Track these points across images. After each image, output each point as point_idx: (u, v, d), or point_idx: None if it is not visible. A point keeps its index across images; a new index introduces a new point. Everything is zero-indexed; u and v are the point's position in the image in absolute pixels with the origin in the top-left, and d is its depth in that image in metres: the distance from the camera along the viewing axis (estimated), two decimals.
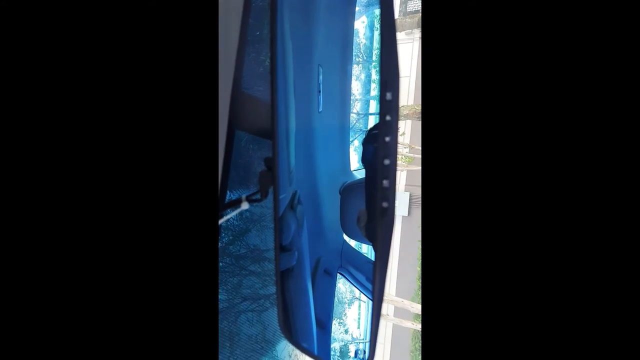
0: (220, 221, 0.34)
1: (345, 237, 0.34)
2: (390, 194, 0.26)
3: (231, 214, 0.35)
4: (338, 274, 0.34)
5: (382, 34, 0.25)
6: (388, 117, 0.25)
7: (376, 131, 0.26)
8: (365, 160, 0.31)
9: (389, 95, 0.25)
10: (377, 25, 0.29)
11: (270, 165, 0.32)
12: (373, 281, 0.28)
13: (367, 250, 0.35)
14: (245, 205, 0.33)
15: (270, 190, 0.31)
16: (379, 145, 0.26)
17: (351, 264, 0.34)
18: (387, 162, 0.26)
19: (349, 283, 0.34)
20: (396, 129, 0.26)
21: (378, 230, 0.27)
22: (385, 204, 0.26)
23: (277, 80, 0.29)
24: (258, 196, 0.33)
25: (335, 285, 0.33)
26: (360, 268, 0.35)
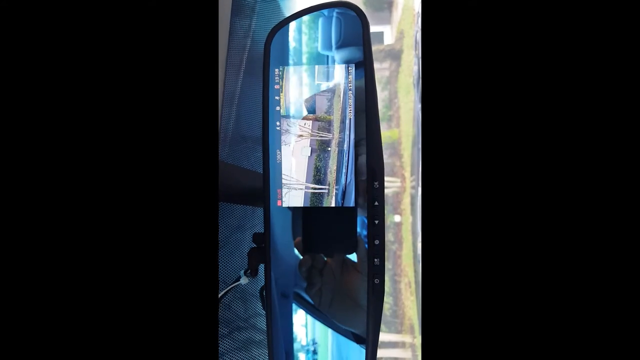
0: (220, 294, 0.34)
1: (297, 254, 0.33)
2: (380, 271, 0.29)
3: (228, 290, 0.34)
4: (294, 294, 0.33)
5: (367, 127, 0.29)
6: (376, 203, 0.28)
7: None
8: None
9: (376, 184, 0.28)
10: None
11: (260, 241, 0.32)
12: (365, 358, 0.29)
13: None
14: (244, 281, 0.33)
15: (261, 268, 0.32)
16: (369, 227, 0.29)
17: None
18: (377, 242, 0.28)
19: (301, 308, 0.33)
20: (383, 213, 0.29)
21: (370, 306, 0.29)
22: (377, 280, 0.29)
23: (269, 151, 0.31)
24: (249, 273, 0.33)
25: (292, 308, 0.33)
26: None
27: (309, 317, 0.34)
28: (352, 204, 0.30)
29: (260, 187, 0.31)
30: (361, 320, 0.30)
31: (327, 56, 0.32)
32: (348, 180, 0.30)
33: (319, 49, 0.33)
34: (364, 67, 0.29)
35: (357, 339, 0.32)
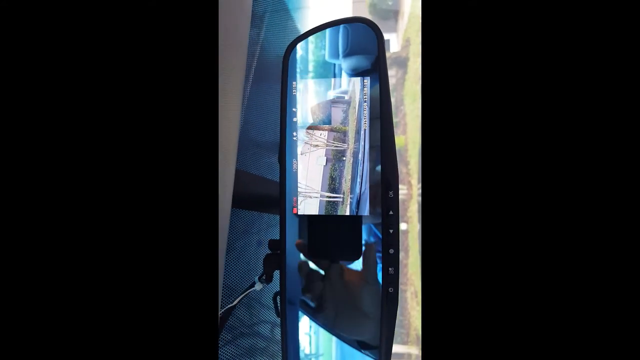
0: (234, 303, 0.34)
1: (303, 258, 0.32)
2: (395, 280, 0.29)
3: (242, 295, 0.35)
4: (300, 301, 0.33)
5: (382, 136, 0.29)
6: (391, 212, 0.29)
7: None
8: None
9: (391, 194, 0.29)
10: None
11: (276, 247, 0.33)
12: None
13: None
14: (258, 287, 0.34)
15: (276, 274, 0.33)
16: (384, 237, 0.29)
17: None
18: (392, 251, 0.29)
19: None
20: (398, 222, 0.29)
21: (383, 316, 0.29)
22: (391, 289, 0.29)
23: (286, 160, 0.31)
24: (264, 279, 0.33)
25: (298, 316, 0.32)
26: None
27: (313, 325, 0.34)
28: (366, 212, 0.30)
29: (271, 194, 0.32)
30: (365, 328, 0.30)
31: (334, 64, 0.32)
32: (362, 189, 0.30)
33: (326, 57, 0.33)
34: (378, 78, 0.29)
35: (362, 345, 0.32)
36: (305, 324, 0.34)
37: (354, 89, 0.30)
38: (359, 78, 0.30)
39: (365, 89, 0.30)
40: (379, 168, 0.30)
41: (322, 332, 0.34)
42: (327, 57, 0.33)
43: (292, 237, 0.31)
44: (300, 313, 0.33)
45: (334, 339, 0.34)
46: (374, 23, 0.30)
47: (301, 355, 0.33)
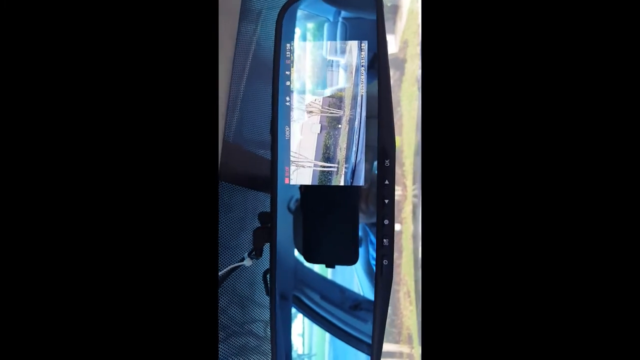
0: (221, 273, 0.33)
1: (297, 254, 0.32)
2: (390, 251, 0.28)
3: (231, 268, 0.33)
4: (293, 296, 0.32)
5: (379, 103, 0.28)
6: (387, 182, 0.28)
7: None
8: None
9: (387, 162, 0.28)
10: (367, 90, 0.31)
11: (266, 220, 0.32)
12: (372, 342, 0.28)
13: (319, 268, 0.34)
14: (248, 262, 0.32)
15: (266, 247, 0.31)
16: (378, 207, 0.28)
17: (306, 284, 0.33)
18: (386, 221, 0.28)
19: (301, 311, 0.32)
20: (394, 192, 0.28)
21: (377, 292, 0.28)
22: (385, 261, 0.28)
23: (278, 127, 0.30)
24: (254, 254, 0.32)
25: (291, 311, 0.32)
26: (316, 288, 0.33)
27: (306, 326, 0.33)
28: (361, 182, 0.29)
29: (264, 172, 0.31)
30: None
31: (332, 61, 0.31)
32: (358, 158, 0.29)
33: (324, 53, 0.32)
34: (376, 40, 0.28)
35: (354, 306, 0.31)
36: (298, 324, 0.33)
37: (350, 52, 0.29)
38: (356, 41, 0.29)
39: (362, 52, 0.29)
40: (374, 167, 0.28)
41: (315, 333, 0.33)
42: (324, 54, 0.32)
43: (284, 209, 0.30)
44: (293, 310, 0.32)
45: (327, 338, 0.33)
46: None
47: (294, 355, 0.32)
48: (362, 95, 0.29)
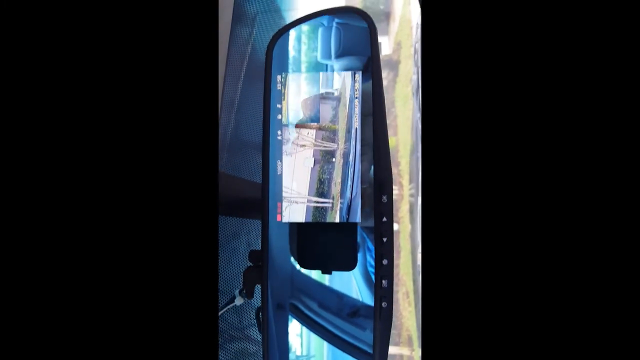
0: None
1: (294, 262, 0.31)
2: (389, 294, 0.27)
3: (222, 311, 0.32)
4: (290, 305, 0.32)
5: (375, 136, 0.27)
6: (385, 219, 0.26)
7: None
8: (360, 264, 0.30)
9: (384, 198, 0.26)
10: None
11: (257, 259, 0.30)
12: None
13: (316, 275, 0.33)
14: (239, 301, 0.31)
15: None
16: (377, 246, 0.26)
17: (303, 292, 0.32)
18: (385, 262, 0.26)
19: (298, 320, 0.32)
20: (392, 230, 0.27)
21: (376, 331, 0.27)
22: (384, 304, 0.27)
23: (269, 161, 0.29)
24: (244, 293, 0.31)
25: (288, 321, 0.31)
26: (314, 295, 0.33)
27: (304, 328, 0.32)
28: (357, 219, 0.28)
29: (257, 198, 0.29)
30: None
31: (327, 65, 0.31)
32: (354, 193, 0.28)
33: (319, 57, 0.32)
34: (371, 73, 0.27)
35: (352, 313, 0.30)
36: (295, 325, 0.32)
37: (344, 84, 0.28)
38: (350, 72, 0.28)
39: (356, 84, 0.28)
40: (371, 170, 0.27)
41: (314, 334, 0.32)
42: (319, 58, 0.31)
43: (276, 247, 0.29)
44: (290, 317, 0.30)
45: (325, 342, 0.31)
46: (366, 13, 0.27)
47: (292, 357, 0.31)
48: (356, 128, 0.28)
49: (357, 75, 0.28)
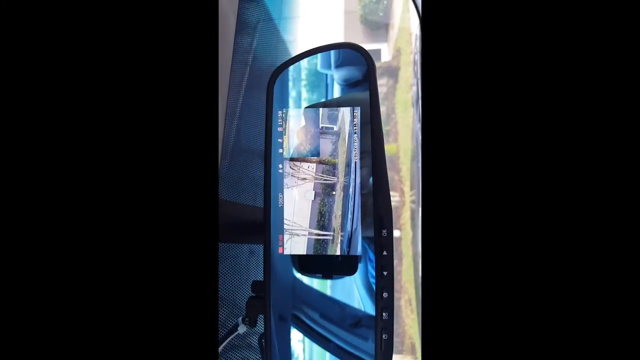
0: (220, 348, 0.31)
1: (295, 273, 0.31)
2: (389, 326, 0.27)
3: (226, 342, 0.32)
4: (292, 316, 0.31)
5: (374, 170, 0.27)
6: (385, 252, 0.27)
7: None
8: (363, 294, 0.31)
9: (384, 232, 0.27)
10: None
11: (259, 290, 0.31)
12: None
13: (318, 284, 0.33)
14: (242, 329, 0.31)
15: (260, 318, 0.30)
16: (377, 279, 0.27)
17: (305, 302, 0.32)
18: (385, 294, 0.27)
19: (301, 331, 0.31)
20: (392, 263, 0.27)
21: (377, 343, 0.27)
22: (385, 336, 0.27)
23: (271, 194, 0.29)
24: (247, 322, 0.31)
25: (290, 332, 0.31)
26: (315, 306, 0.32)
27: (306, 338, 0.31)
28: (358, 252, 0.28)
29: (261, 223, 0.30)
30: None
31: (326, 75, 0.31)
32: (354, 226, 0.28)
33: (318, 67, 0.32)
34: (370, 108, 0.28)
35: (354, 323, 0.30)
36: (297, 333, 0.31)
37: (343, 119, 0.28)
38: (349, 108, 0.28)
39: (355, 119, 0.28)
40: (370, 179, 0.27)
41: (316, 345, 0.32)
42: (318, 67, 0.31)
43: (278, 278, 0.29)
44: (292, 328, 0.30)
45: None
46: (364, 49, 0.28)
47: None
48: (355, 162, 0.28)
49: (355, 111, 0.28)
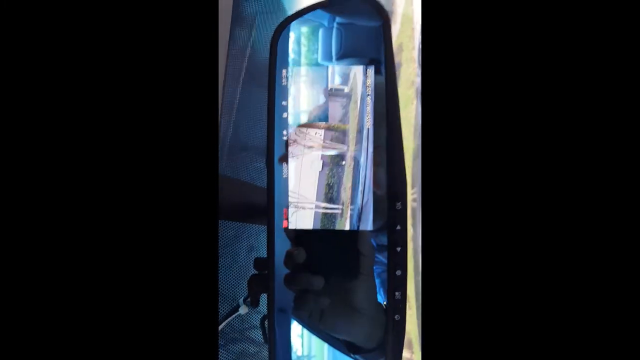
0: (220, 327, 0.30)
1: None
2: (402, 306, 0.25)
3: (227, 321, 0.30)
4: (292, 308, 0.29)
5: (388, 138, 0.25)
6: (398, 227, 0.24)
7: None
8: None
9: (398, 205, 0.24)
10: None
11: (262, 267, 0.28)
12: None
13: None
14: (244, 310, 0.29)
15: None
16: (390, 256, 0.24)
17: None
18: (399, 272, 0.24)
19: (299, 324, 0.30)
20: (406, 238, 0.25)
21: (388, 346, 0.25)
22: (397, 317, 0.24)
23: (274, 164, 0.27)
24: (249, 301, 0.29)
25: (290, 324, 0.30)
26: None
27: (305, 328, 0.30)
28: (369, 227, 0.26)
29: (260, 203, 0.27)
30: (358, 328, 0.27)
31: (327, 67, 0.29)
32: (365, 199, 0.26)
33: (319, 59, 0.31)
34: (385, 69, 0.25)
35: (351, 349, 0.28)
36: (296, 326, 0.30)
37: (355, 80, 0.26)
38: (361, 67, 0.26)
39: (368, 80, 0.26)
40: (384, 175, 0.25)
41: (314, 335, 0.30)
42: (319, 60, 0.30)
43: (282, 254, 0.27)
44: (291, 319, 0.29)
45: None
46: (379, 3, 0.25)
47: (293, 357, 0.30)
48: (368, 129, 0.26)
49: (369, 70, 0.26)
